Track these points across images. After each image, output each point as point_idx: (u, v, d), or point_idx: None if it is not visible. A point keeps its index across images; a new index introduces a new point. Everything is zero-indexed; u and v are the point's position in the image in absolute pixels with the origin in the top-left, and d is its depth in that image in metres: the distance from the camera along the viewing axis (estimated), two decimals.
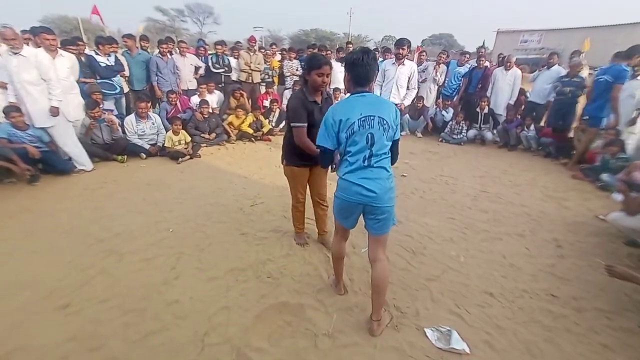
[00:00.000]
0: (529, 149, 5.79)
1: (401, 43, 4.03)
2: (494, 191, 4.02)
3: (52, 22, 29.26)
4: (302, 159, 2.32)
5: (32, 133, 3.82)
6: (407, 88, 4.15)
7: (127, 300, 2.06)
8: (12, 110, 3.68)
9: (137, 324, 1.88)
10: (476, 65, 6.51)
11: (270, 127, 6.15)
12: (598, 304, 2.16)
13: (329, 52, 7.23)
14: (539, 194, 3.97)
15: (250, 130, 5.85)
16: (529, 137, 5.69)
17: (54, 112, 3.81)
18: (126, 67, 5.38)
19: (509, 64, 6.02)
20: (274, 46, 7.59)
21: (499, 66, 6.31)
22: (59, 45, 4.20)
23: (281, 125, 6.40)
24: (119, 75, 5.22)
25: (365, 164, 1.67)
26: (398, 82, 4.15)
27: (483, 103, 6.08)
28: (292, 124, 2.17)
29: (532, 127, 5.73)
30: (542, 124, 6.00)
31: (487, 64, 6.70)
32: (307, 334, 1.85)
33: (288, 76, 7.03)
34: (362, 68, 1.64)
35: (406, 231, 3.01)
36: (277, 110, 6.36)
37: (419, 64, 7.15)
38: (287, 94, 6.88)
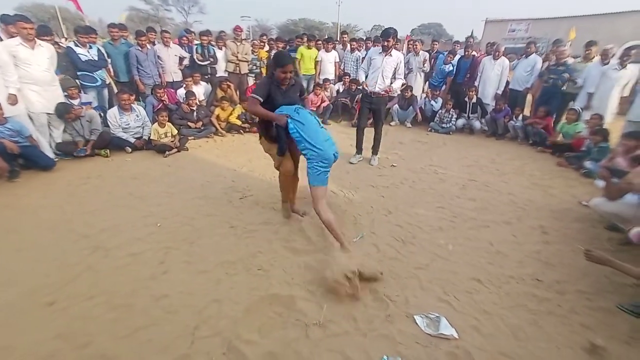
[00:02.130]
0: (516, 138, 5.87)
1: (387, 34, 4.01)
2: (482, 180, 4.08)
3: (28, 11, 28.02)
4: (270, 137, 2.67)
5: (11, 127, 3.68)
6: (394, 77, 4.15)
7: (114, 296, 2.03)
8: None
9: (126, 319, 1.86)
10: (464, 54, 6.53)
11: None
12: (580, 287, 2.23)
13: (318, 42, 7.13)
14: (525, 182, 4.05)
15: (239, 122, 5.76)
16: (516, 127, 5.76)
17: (13, 100, 3.68)
18: (109, 59, 5.19)
19: (497, 52, 6.05)
20: (263, 37, 7.42)
21: (487, 55, 6.33)
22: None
23: None
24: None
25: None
26: (384, 73, 4.17)
27: (471, 92, 6.12)
28: (251, 94, 2.57)
29: (520, 117, 5.81)
30: (526, 112, 6.09)
31: (475, 53, 6.72)
32: (298, 325, 1.86)
33: None
34: None
35: (396, 221, 3.03)
36: None
37: (409, 53, 7.13)
38: None
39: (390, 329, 1.86)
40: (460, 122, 6.30)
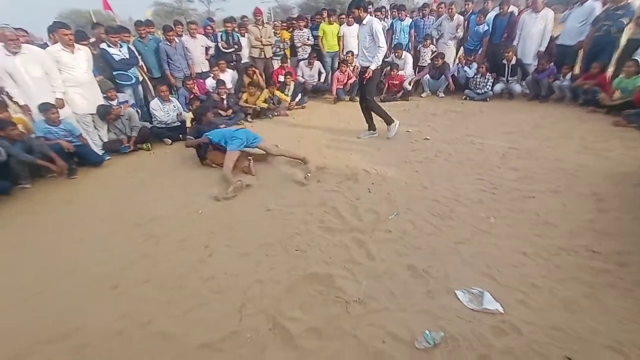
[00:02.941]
0: (563, 99, 5.36)
1: (349, 8, 3.90)
2: (525, 147, 3.80)
3: (67, 17, 29.61)
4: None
5: (64, 127, 4.00)
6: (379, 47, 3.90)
7: (167, 279, 2.20)
8: (49, 107, 3.82)
9: (179, 300, 2.02)
10: (499, 12, 5.95)
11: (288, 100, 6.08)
12: None
13: (341, 16, 6.86)
14: (575, 146, 3.72)
15: (265, 105, 5.80)
16: (562, 86, 5.24)
17: (59, 104, 3.97)
18: (140, 57, 5.39)
19: (538, 4, 5.41)
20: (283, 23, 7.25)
21: (527, 9, 5.72)
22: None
23: (297, 99, 6.30)
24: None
25: None
26: (362, 44, 4.03)
27: (509, 53, 5.61)
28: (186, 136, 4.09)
29: (568, 75, 5.25)
30: (576, 71, 5.48)
31: (513, 9, 6.10)
32: (338, 302, 1.91)
33: (300, 47, 6.79)
34: None
35: (432, 196, 2.95)
36: (292, 84, 6.23)
37: (438, 17, 6.66)
38: (302, 65, 6.69)
39: (431, 304, 1.85)
40: (498, 86, 5.85)
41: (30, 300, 2.10)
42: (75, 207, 3.30)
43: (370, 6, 7.36)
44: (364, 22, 3.95)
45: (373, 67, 4.00)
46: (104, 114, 4.46)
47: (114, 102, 4.71)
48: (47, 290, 2.18)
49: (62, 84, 4.01)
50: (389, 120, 4.38)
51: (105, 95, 4.62)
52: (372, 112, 4.41)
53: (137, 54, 5.33)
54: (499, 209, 2.69)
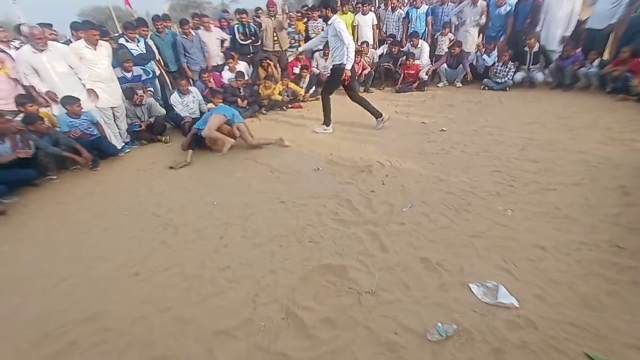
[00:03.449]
0: (589, 87, 5.10)
1: (319, 5, 4.11)
2: (545, 138, 3.67)
3: (89, 14, 30.29)
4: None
5: (85, 118, 4.13)
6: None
7: (186, 267, 2.28)
8: (73, 100, 3.94)
9: (197, 288, 2.09)
10: None
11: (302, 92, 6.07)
12: None
13: (357, 4, 6.73)
14: (600, 137, 3.56)
15: (280, 97, 5.81)
16: (589, 73, 4.98)
17: (92, 94, 4.16)
18: (157, 51, 5.48)
19: None
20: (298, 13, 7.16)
21: None
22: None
23: (311, 91, 6.28)
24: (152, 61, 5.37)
25: None
26: (330, 45, 4.12)
27: (531, 41, 5.36)
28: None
29: (596, 62, 4.97)
30: (605, 57, 5.19)
31: None
32: (351, 293, 1.93)
33: (314, 37, 6.72)
34: None
35: (448, 188, 2.90)
36: (307, 76, 6.21)
37: (459, 3, 6.40)
38: (317, 56, 6.63)
39: (444, 297, 1.84)
40: (519, 75, 5.61)
41: (60, 285, 2.23)
42: (99, 197, 3.44)
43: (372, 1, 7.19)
44: (329, 22, 4.00)
45: (348, 66, 4.05)
46: (130, 96, 4.66)
47: (129, 75, 4.80)
48: (75, 276, 2.31)
49: (88, 77, 4.15)
50: (327, 122, 4.56)
51: (121, 66, 4.73)
52: (363, 103, 4.49)
53: (154, 48, 5.42)
54: (517, 201, 2.62)
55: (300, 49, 5.39)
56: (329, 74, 4.58)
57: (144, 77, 5.05)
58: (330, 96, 4.53)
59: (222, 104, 4.88)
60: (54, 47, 3.92)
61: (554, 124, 4.06)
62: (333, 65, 4.34)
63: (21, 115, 3.76)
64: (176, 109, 5.07)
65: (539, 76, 5.52)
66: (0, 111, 3.54)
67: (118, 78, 4.61)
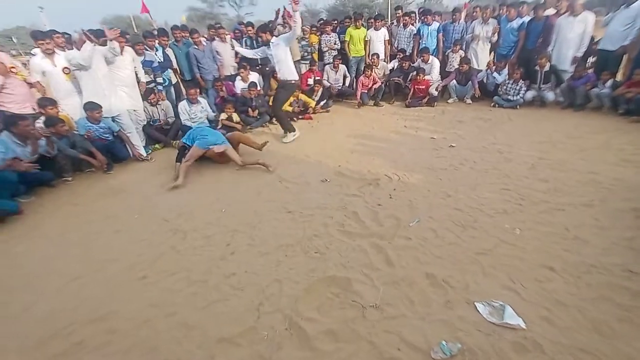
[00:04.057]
0: (601, 108, 5.06)
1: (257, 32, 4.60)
2: (556, 158, 3.64)
3: (110, 22, 31.47)
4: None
5: (103, 125, 4.27)
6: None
7: (192, 273, 2.31)
8: (95, 107, 4.05)
9: (203, 293, 2.11)
10: (534, 16, 5.72)
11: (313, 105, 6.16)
12: None
13: (370, 19, 6.86)
14: (612, 158, 3.52)
15: (291, 108, 5.90)
16: (601, 94, 4.96)
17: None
18: (174, 59, 5.66)
19: (575, 7, 5.13)
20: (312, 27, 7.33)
21: (564, 13, 5.46)
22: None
23: (322, 103, 6.37)
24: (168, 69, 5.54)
25: None
26: (274, 62, 4.66)
27: (542, 60, 5.38)
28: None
29: (609, 83, 4.96)
30: (618, 78, 5.17)
31: (550, 11, 5.85)
32: (355, 306, 1.93)
33: (326, 51, 6.87)
34: None
35: (455, 204, 2.90)
36: (320, 90, 6.31)
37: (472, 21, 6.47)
38: (328, 68, 6.75)
39: (449, 314, 1.83)
40: (530, 94, 5.62)
41: (71, 284, 2.28)
42: (111, 200, 3.52)
43: (400, 10, 7.33)
44: (271, 43, 4.43)
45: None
46: (147, 95, 4.85)
47: (141, 58, 5.00)
48: (85, 276, 2.36)
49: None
50: (291, 129, 4.89)
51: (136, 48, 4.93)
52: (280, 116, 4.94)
53: (172, 57, 5.60)
54: (525, 220, 2.60)
55: (240, 51, 5.27)
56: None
57: (155, 64, 5.24)
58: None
59: (232, 112, 5.13)
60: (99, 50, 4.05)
61: (565, 143, 4.03)
62: (280, 81, 4.76)
63: (42, 118, 3.90)
64: (181, 117, 5.14)
65: (550, 95, 5.52)
66: (24, 115, 3.69)
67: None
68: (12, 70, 3.97)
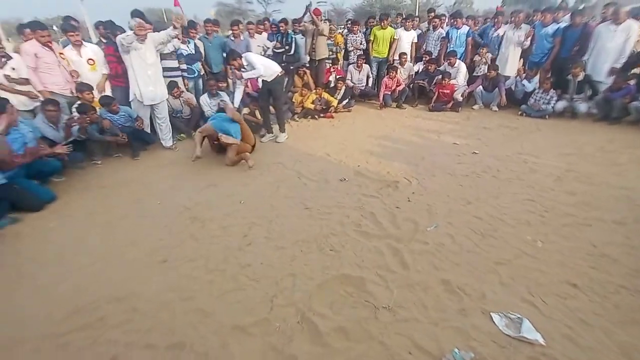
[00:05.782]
0: (638, 123, 4.80)
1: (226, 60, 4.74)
2: (585, 171, 3.50)
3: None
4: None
5: (123, 113, 4.38)
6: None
7: (210, 261, 2.37)
8: (110, 101, 4.24)
9: (219, 282, 2.17)
10: (571, 23, 5.48)
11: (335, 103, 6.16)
12: None
13: (397, 18, 6.77)
14: None
15: (312, 106, 5.93)
16: None
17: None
18: (203, 52, 5.79)
19: (619, 15, 4.85)
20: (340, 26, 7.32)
21: (604, 21, 5.21)
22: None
23: (344, 102, 6.36)
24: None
25: None
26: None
27: (577, 69, 5.14)
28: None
29: None
30: None
31: (587, 19, 5.60)
32: (367, 306, 1.93)
33: (352, 50, 6.84)
34: None
35: (475, 212, 2.84)
36: (343, 88, 6.31)
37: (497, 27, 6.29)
38: (352, 68, 6.73)
39: (463, 322, 1.80)
40: (561, 104, 5.38)
41: (96, 264, 2.39)
42: (138, 185, 3.65)
43: (432, 13, 7.23)
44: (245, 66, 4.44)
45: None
46: (171, 88, 4.94)
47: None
48: (110, 256, 2.47)
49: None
50: (268, 130, 5.01)
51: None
52: (279, 114, 4.95)
53: (201, 49, 5.73)
54: (548, 233, 2.52)
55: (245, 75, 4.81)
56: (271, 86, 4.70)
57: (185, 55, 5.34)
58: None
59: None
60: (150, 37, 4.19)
61: (596, 157, 3.86)
62: (264, 82, 4.64)
63: (78, 103, 4.08)
64: (203, 109, 5.28)
65: (583, 107, 5.26)
66: (55, 100, 3.83)
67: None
68: (62, 55, 4.18)
